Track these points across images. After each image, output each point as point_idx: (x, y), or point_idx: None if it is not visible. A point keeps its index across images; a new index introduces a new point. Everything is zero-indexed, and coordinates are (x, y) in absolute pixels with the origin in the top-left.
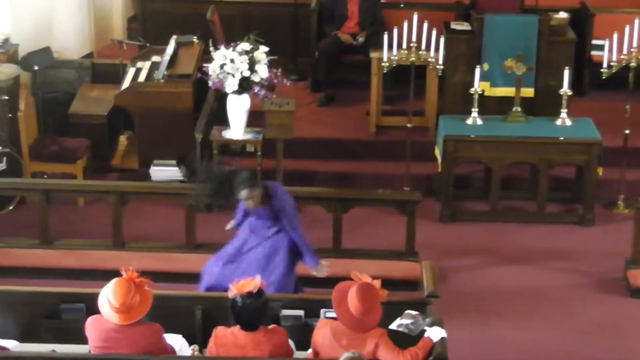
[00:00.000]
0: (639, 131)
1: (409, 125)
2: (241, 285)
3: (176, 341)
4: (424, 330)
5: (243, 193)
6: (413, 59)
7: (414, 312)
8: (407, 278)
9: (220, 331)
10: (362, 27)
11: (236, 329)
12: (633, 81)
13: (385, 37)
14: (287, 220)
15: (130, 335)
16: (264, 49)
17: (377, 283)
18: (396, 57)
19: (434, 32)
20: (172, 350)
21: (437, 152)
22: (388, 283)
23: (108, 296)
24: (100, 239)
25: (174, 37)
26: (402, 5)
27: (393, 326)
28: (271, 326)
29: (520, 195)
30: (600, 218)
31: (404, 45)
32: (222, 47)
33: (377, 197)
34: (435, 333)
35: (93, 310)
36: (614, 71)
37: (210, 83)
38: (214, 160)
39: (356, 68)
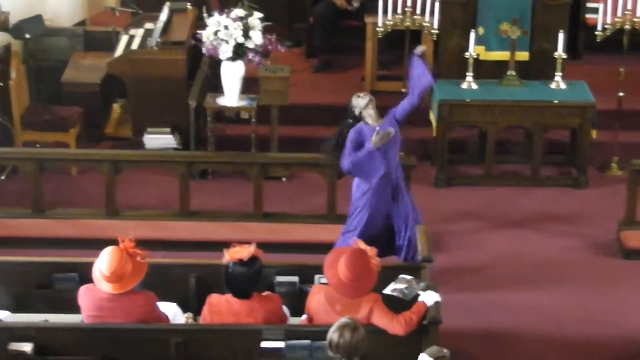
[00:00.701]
0: (632, 94)
1: (403, 90)
2: (234, 252)
3: (170, 309)
4: (418, 295)
5: (360, 101)
6: (408, 23)
7: (408, 277)
8: None
9: (214, 298)
10: None
11: (230, 296)
12: (627, 44)
13: (380, 1)
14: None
15: (124, 304)
16: (258, 15)
17: (371, 251)
18: (391, 22)
19: None
20: (166, 319)
21: (432, 117)
22: None
23: (100, 265)
24: (94, 207)
25: (167, 3)
26: None
27: (387, 291)
28: (265, 293)
29: (515, 159)
30: (594, 180)
31: (399, 10)
32: (216, 14)
33: None
34: (429, 297)
35: (86, 279)
36: (608, 34)
37: (204, 50)
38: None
39: (351, 33)
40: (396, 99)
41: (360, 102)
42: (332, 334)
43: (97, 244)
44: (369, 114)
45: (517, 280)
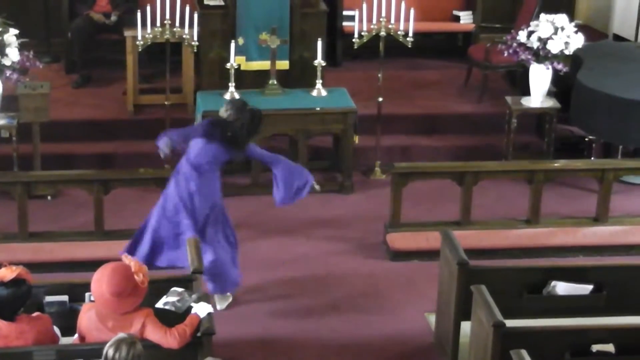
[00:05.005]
0: (391, 99)
1: (166, 102)
2: None
3: None
4: (191, 307)
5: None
6: (167, 36)
7: (180, 290)
8: None
9: None
10: (115, 6)
11: None
12: (383, 50)
13: (139, 15)
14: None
15: None
16: (14, 31)
17: (136, 265)
18: (150, 35)
19: (188, 9)
20: None
21: None
22: None
23: None
24: None
25: None
26: None
27: (159, 305)
28: (35, 314)
29: None
30: (359, 185)
31: (158, 23)
32: None
33: (138, 176)
34: (202, 309)
35: None
36: (364, 41)
37: None
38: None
39: (111, 47)
40: (159, 112)
41: None
42: (108, 349)
43: None
44: None
45: (290, 287)
